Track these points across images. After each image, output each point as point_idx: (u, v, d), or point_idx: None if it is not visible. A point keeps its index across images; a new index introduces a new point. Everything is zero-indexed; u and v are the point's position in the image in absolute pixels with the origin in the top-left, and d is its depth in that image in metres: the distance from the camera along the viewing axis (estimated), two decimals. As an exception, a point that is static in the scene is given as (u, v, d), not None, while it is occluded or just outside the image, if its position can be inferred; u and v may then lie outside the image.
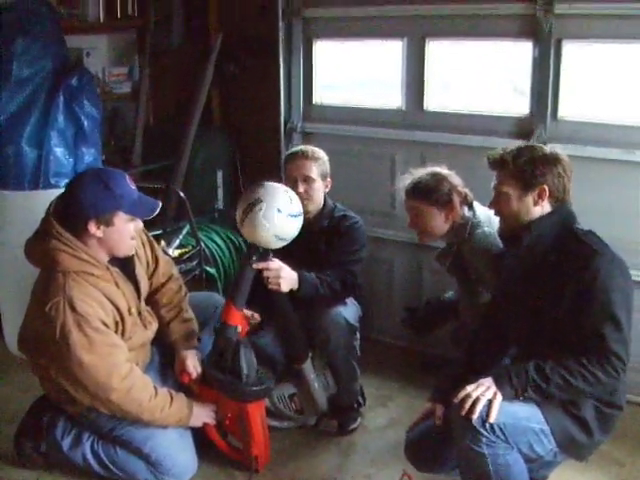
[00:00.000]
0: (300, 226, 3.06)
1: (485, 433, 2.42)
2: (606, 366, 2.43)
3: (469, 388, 2.49)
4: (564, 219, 2.66)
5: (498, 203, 2.73)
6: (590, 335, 2.46)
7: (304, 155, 3.50)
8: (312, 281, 3.26)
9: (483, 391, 2.46)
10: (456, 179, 3.36)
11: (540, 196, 2.63)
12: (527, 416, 2.50)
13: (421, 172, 3.39)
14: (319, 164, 3.50)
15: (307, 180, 3.46)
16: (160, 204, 2.94)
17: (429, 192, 3.31)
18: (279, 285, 3.11)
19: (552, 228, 2.64)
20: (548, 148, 2.75)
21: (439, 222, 3.35)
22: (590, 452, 2.68)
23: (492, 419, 2.42)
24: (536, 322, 2.65)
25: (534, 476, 2.66)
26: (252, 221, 2.95)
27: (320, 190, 3.52)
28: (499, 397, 2.45)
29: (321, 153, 3.54)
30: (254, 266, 3.06)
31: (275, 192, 3.00)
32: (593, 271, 2.49)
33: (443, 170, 3.37)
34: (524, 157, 2.66)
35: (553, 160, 2.65)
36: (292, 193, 3.09)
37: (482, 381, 2.50)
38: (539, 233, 2.64)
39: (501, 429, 2.43)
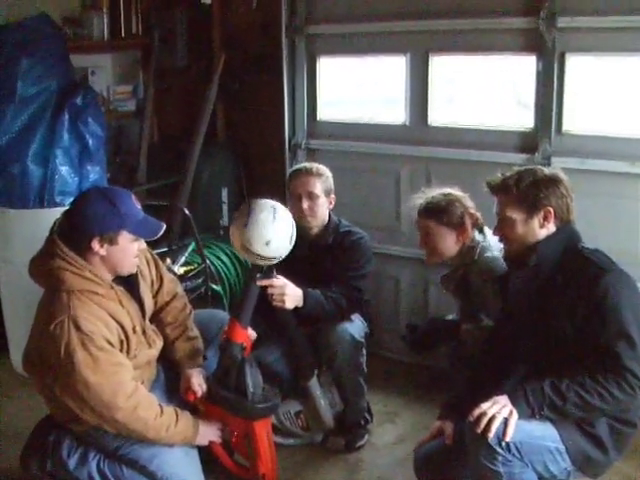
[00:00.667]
0: (289, 234, 3.02)
1: (501, 452, 2.40)
2: (622, 384, 2.41)
3: (484, 406, 2.46)
4: (568, 238, 2.64)
5: (503, 228, 2.72)
6: (604, 354, 2.44)
7: (308, 172, 3.50)
8: (317, 298, 3.26)
9: (499, 409, 2.44)
10: (469, 201, 3.34)
11: (546, 218, 2.62)
12: (542, 435, 2.48)
13: (434, 192, 3.38)
14: (323, 180, 3.50)
15: (311, 196, 3.46)
16: (164, 226, 2.94)
17: (441, 212, 3.29)
18: (283, 302, 3.11)
19: (557, 248, 2.63)
20: (547, 169, 2.74)
21: (449, 243, 3.32)
22: (605, 470, 2.66)
23: (508, 437, 2.39)
24: (546, 342, 2.63)
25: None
26: (239, 241, 2.94)
27: (324, 206, 3.52)
28: (515, 415, 2.43)
29: (325, 170, 3.55)
30: (258, 283, 3.05)
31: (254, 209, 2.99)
32: (602, 290, 2.47)
33: (456, 192, 3.36)
34: (526, 180, 2.65)
35: (555, 181, 2.65)
36: (276, 205, 3.05)
37: (497, 399, 2.48)
38: (545, 253, 2.62)
39: (517, 448, 2.41)
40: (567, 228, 2.66)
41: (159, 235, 2.91)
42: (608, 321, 2.45)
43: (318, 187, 3.48)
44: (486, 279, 3.19)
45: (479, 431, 2.42)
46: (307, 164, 3.66)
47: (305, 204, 3.45)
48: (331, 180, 3.55)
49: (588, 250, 2.61)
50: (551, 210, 2.61)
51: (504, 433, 2.40)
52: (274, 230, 2.93)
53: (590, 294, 2.49)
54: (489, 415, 2.43)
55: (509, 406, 2.45)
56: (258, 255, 2.94)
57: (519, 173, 2.70)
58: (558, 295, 2.59)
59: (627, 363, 2.41)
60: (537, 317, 2.67)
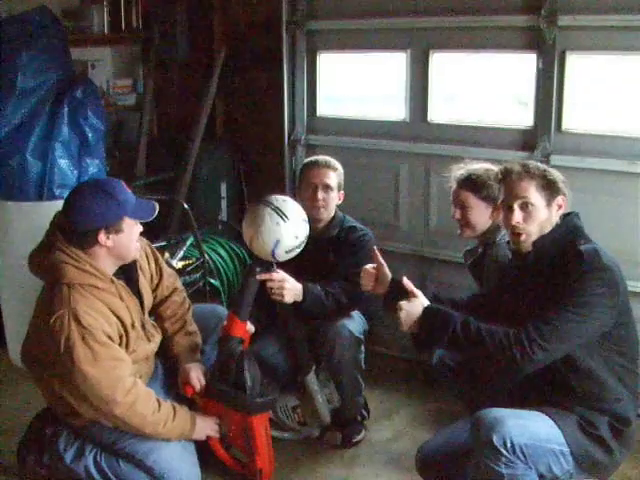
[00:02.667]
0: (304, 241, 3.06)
1: (505, 453, 2.40)
2: (526, 346, 2.41)
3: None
4: (568, 233, 2.64)
5: (525, 212, 2.65)
6: (540, 313, 2.47)
7: (326, 164, 3.54)
8: (317, 293, 3.26)
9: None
10: None
11: (560, 206, 2.63)
12: (547, 437, 2.48)
13: (475, 165, 3.36)
14: (337, 174, 3.54)
15: (326, 188, 3.48)
16: (157, 205, 2.93)
17: (481, 186, 3.28)
18: (282, 296, 3.12)
19: (555, 241, 2.62)
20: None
21: (484, 218, 3.30)
22: (612, 471, 2.66)
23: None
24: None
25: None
26: (265, 236, 2.95)
27: (335, 200, 3.55)
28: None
29: (339, 164, 3.57)
30: (258, 277, 3.06)
31: (291, 207, 3.01)
32: (576, 274, 2.47)
33: (494, 166, 3.35)
34: (541, 168, 2.66)
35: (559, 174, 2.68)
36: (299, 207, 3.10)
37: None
38: (542, 245, 2.62)
39: (522, 450, 2.41)
40: (568, 222, 2.66)
41: (156, 214, 2.91)
42: (565, 292, 2.46)
43: (333, 180, 3.51)
44: (498, 264, 3.18)
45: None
46: (322, 157, 3.65)
47: (320, 195, 3.47)
48: (343, 176, 3.57)
49: (585, 247, 2.57)
50: (564, 198, 2.63)
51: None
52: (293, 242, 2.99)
53: (564, 280, 2.50)
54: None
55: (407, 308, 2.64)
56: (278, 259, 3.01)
57: (526, 163, 2.70)
58: (544, 289, 2.60)
59: (544, 329, 2.42)
60: (517, 305, 2.68)
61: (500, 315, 2.69)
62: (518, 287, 2.73)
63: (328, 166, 3.53)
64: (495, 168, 3.29)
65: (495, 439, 2.40)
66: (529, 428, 2.45)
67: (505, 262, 3.09)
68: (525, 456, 2.42)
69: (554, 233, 2.63)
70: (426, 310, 2.63)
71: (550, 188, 2.63)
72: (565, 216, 2.66)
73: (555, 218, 2.65)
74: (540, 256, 2.63)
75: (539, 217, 2.63)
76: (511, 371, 2.52)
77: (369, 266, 2.91)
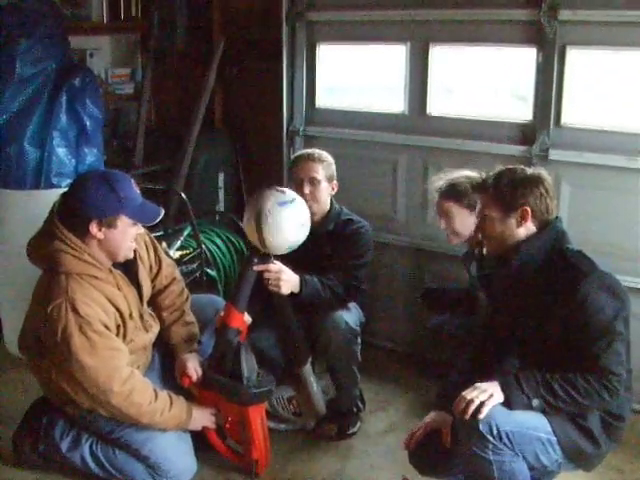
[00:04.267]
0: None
1: (492, 440, 2.42)
2: (607, 384, 2.44)
3: (464, 392, 2.50)
4: (554, 239, 2.63)
5: (482, 226, 2.72)
6: (584, 355, 2.47)
7: (310, 157, 3.52)
8: (314, 284, 3.27)
9: (477, 394, 2.46)
10: None
11: (523, 217, 2.61)
12: (535, 425, 2.49)
13: (455, 174, 3.42)
14: (325, 166, 3.51)
15: (313, 182, 3.47)
16: (163, 212, 2.94)
17: (462, 195, 3.33)
18: (279, 288, 3.12)
19: (540, 248, 2.61)
20: (531, 169, 2.73)
21: (469, 223, 3.34)
22: (598, 462, 2.68)
23: (481, 416, 2.41)
24: (528, 341, 2.66)
25: (535, 484, 2.66)
26: (271, 228, 2.98)
27: (326, 192, 3.53)
28: (495, 398, 2.45)
29: (327, 156, 3.56)
30: (255, 268, 3.07)
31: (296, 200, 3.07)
32: (582, 294, 2.47)
33: (476, 174, 3.37)
34: (505, 179, 2.64)
35: (534, 181, 2.63)
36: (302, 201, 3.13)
37: (479, 385, 2.50)
38: (528, 254, 2.61)
39: (509, 437, 2.43)
40: (552, 228, 2.64)
41: (157, 220, 2.92)
42: (587, 324, 2.47)
43: (320, 173, 3.49)
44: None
45: (467, 417, 2.44)
46: (310, 150, 3.66)
47: (307, 189, 3.46)
48: (333, 167, 3.56)
49: (571, 252, 2.59)
50: (528, 210, 2.60)
51: (478, 411, 2.42)
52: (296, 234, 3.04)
53: (569, 298, 2.49)
54: (467, 399, 2.46)
55: (490, 390, 2.47)
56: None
57: (499, 172, 2.70)
58: (538, 296, 2.60)
59: (606, 364, 2.44)
60: (518, 318, 2.70)
61: (513, 331, 2.73)
62: (510, 299, 2.74)
63: (313, 159, 3.51)
64: (475, 174, 3.33)
65: (481, 426, 2.42)
66: (515, 415, 2.46)
67: None
68: (512, 443, 2.43)
69: (538, 239, 2.63)
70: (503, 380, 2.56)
71: (505, 202, 2.63)
72: (548, 222, 2.65)
73: (520, 229, 2.64)
74: (525, 262, 2.63)
75: (494, 230, 2.67)
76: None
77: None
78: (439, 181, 3.44)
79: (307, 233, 3.10)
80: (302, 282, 3.22)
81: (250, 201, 3.11)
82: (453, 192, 3.37)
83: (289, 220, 3.00)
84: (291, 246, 3.06)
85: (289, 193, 3.09)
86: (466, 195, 3.32)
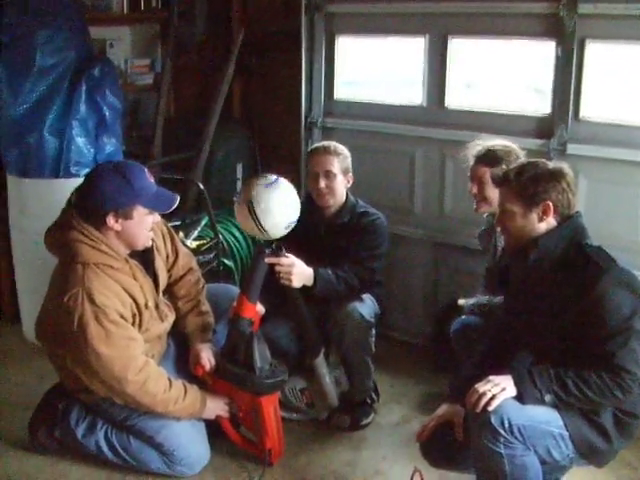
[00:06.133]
0: (292, 215, 3.09)
1: (504, 433, 2.42)
2: (620, 383, 2.43)
3: (478, 385, 2.50)
4: (573, 234, 2.61)
5: (503, 220, 2.70)
6: (599, 352, 2.46)
7: (326, 150, 3.52)
8: (328, 278, 3.27)
9: (490, 387, 2.47)
10: (522, 154, 3.33)
11: (545, 212, 2.59)
12: (547, 420, 2.49)
13: (493, 142, 3.39)
14: (340, 159, 3.51)
15: (328, 175, 3.47)
16: (178, 198, 2.95)
17: (498, 162, 3.28)
18: (291, 281, 3.13)
19: (559, 243, 2.60)
20: (552, 163, 2.72)
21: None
22: (609, 459, 2.67)
23: (491, 408, 2.42)
24: (544, 336, 2.65)
25: (546, 479, 2.64)
26: (265, 213, 3.00)
27: (341, 185, 3.53)
28: (507, 392, 2.45)
29: (343, 149, 3.56)
30: (266, 261, 3.08)
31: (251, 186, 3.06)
32: (600, 291, 2.46)
33: (515, 146, 3.36)
34: (527, 174, 2.62)
35: (557, 176, 2.61)
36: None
37: (493, 378, 2.50)
38: (546, 248, 2.60)
39: (520, 431, 2.43)
40: (571, 223, 2.63)
41: (173, 207, 2.93)
42: (604, 321, 2.45)
43: (335, 166, 3.49)
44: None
45: (478, 410, 2.44)
46: (325, 142, 3.66)
47: (322, 183, 3.46)
48: (349, 159, 3.56)
49: (590, 248, 2.57)
50: (550, 205, 2.58)
51: (488, 403, 2.43)
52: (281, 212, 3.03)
53: (588, 294, 2.48)
54: (480, 392, 2.46)
55: (503, 384, 2.47)
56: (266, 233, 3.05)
57: (521, 166, 2.68)
58: (555, 291, 2.59)
59: (621, 362, 2.43)
60: (535, 312, 2.68)
61: (529, 325, 2.72)
62: (527, 293, 2.73)
63: (329, 152, 3.51)
64: (514, 146, 3.31)
65: (493, 419, 2.42)
66: (527, 409, 2.46)
67: None
68: (523, 437, 2.43)
69: (557, 233, 2.61)
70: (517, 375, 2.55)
71: (527, 197, 2.61)
72: (568, 216, 2.64)
73: (541, 224, 2.63)
74: (543, 256, 2.62)
75: (515, 224, 2.66)
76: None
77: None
78: (477, 146, 3.40)
79: (299, 209, 3.10)
80: (316, 275, 3.23)
81: (236, 203, 3.11)
82: (489, 158, 3.32)
83: (278, 199, 3.01)
84: (288, 225, 3.06)
85: (270, 175, 3.08)
86: (501, 163, 3.26)
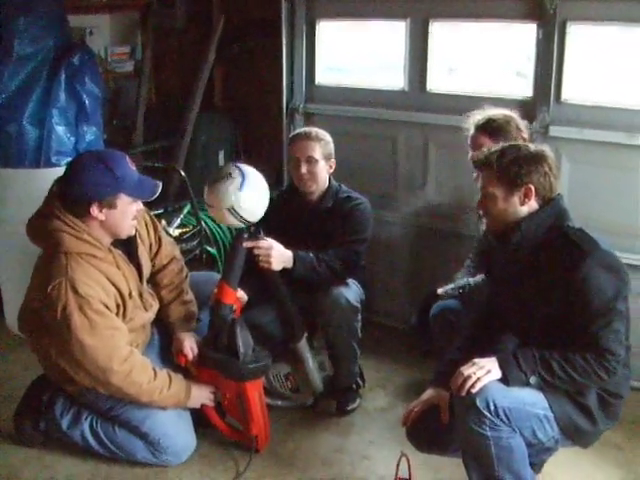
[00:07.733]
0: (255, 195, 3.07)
1: (489, 415, 2.42)
2: (604, 363, 2.44)
3: (462, 368, 2.51)
4: (555, 217, 2.61)
5: (485, 203, 2.68)
6: (583, 334, 2.47)
7: (307, 136, 3.50)
8: (308, 260, 3.26)
9: (475, 370, 2.47)
10: (524, 128, 3.33)
11: (526, 195, 2.58)
12: (532, 402, 2.50)
13: (494, 111, 3.36)
14: (322, 145, 3.49)
15: (310, 161, 3.46)
16: (161, 185, 2.94)
17: (498, 131, 3.27)
18: (270, 264, 3.13)
19: (542, 226, 2.59)
20: (534, 146, 2.70)
21: None
22: (594, 439, 2.68)
23: (474, 390, 2.43)
24: (529, 319, 2.65)
25: (532, 461, 2.66)
26: (248, 212, 3.02)
27: (323, 171, 3.52)
28: (493, 374, 2.46)
29: (325, 134, 3.54)
30: (244, 244, 3.07)
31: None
32: (582, 273, 2.46)
33: (515, 116, 3.34)
34: (508, 157, 2.60)
35: (538, 159, 2.60)
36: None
37: (476, 361, 2.51)
38: (528, 231, 2.59)
39: (505, 413, 2.43)
40: (553, 206, 2.62)
41: (156, 195, 2.91)
42: (587, 303, 2.45)
43: (317, 151, 3.47)
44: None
45: (463, 393, 2.45)
46: (307, 128, 3.66)
47: (304, 168, 3.45)
48: (331, 145, 3.54)
49: (572, 230, 2.57)
50: (532, 188, 2.57)
51: (472, 386, 2.44)
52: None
53: (570, 277, 2.48)
54: (464, 375, 2.46)
55: (488, 367, 2.48)
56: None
57: (503, 149, 2.66)
58: (538, 274, 2.59)
59: (605, 343, 2.44)
60: (518, 294, 2.69)
61: (513, 307, 2.73)
62: (510, 277, 2.73)
63: (310, 138, 3.49)
64: (515, 116, 3.30)
65: (478, 402, 2.42)
66: (512, 392, 2.46)
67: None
68: (509, 419, 2.44)
69: (539, 217, 2.60)
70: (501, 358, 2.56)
71: (509, 180, 2.60)
72: (550, 199, 2.64)
73: (523, 207, 2.61)
74: (526, 239, 2.61)
75: (497, 208, 2.64)
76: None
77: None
78: (478, 115, 3.38)
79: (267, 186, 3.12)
80: (295, 258, 3.22)
81: (212, 209, 3.09)
82: (489, 127, 3.30)
83: (256, 192, 3.04)
84: (265, 206, 3.09)
85: (232, 170, 3.05)
86: (502, 133, 3.26)
